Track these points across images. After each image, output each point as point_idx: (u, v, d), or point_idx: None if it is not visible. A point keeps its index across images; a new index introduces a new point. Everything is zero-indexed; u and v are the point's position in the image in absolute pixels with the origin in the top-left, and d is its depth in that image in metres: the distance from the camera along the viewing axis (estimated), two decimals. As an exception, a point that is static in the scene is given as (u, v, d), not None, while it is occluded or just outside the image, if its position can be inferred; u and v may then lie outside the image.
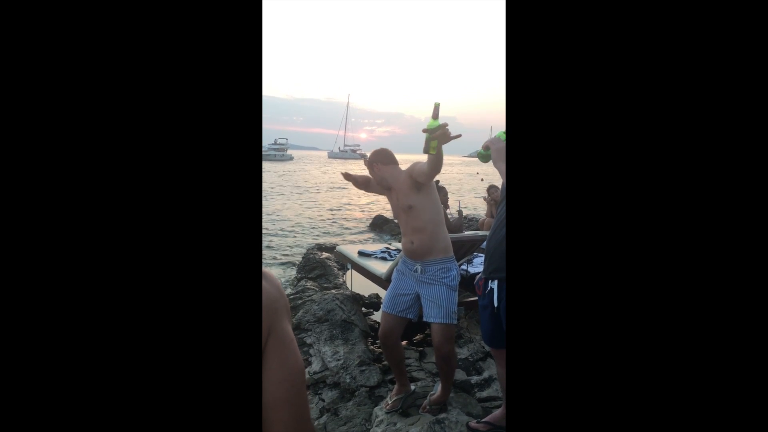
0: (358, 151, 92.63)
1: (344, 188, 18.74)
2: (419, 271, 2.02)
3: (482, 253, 3.64)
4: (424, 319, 2.02)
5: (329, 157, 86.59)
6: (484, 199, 5.71)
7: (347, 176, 2.26)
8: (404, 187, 1.98)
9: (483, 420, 1.96)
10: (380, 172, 2.07)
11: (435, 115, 1.62)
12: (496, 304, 1.64)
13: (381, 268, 3.22)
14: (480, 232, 3.58)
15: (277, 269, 6.29)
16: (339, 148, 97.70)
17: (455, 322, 1.99)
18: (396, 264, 2.30)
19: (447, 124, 1.64)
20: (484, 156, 1.68)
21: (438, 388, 2.16)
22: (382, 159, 2.08)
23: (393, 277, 2.19)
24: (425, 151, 1.66)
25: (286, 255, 7.20)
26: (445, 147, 1.72)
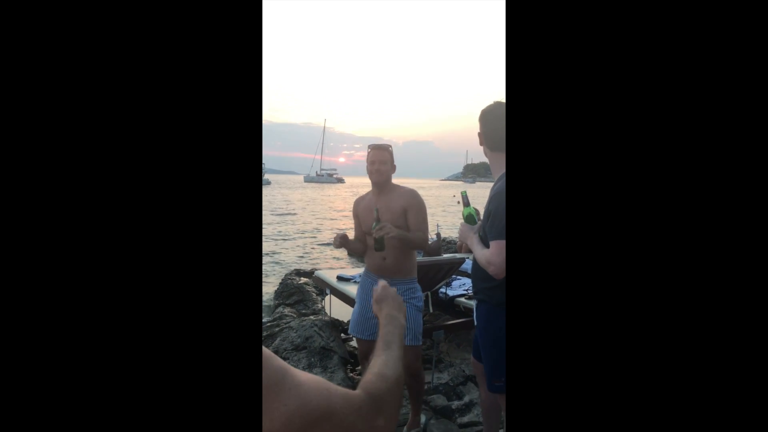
0: (334, 175, 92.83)
1: (322, 212, 18.65)
2: None
3: (460, 275, 3.66)
4: None
5: (305, 181, 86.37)
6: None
7: (341, 242, 2.08)
8: (396, 206, 1.98)
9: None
10: (388, 165, 2.01)
11: (376, 218, 1.94)
12: (476, 323, 1.67)
13: (360, 292, 3.19)
14: (458, 255, 3.60)
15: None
16: (316, 172, 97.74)
17: (420, 342, 2.02)
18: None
19: (382, 225, 1.86)
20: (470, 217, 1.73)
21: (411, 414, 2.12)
22: (392, 156, 2.05)
23: (358, 297, 2.14)
24: (377, 250, 1.95)
25: (264, 281, 7.06)
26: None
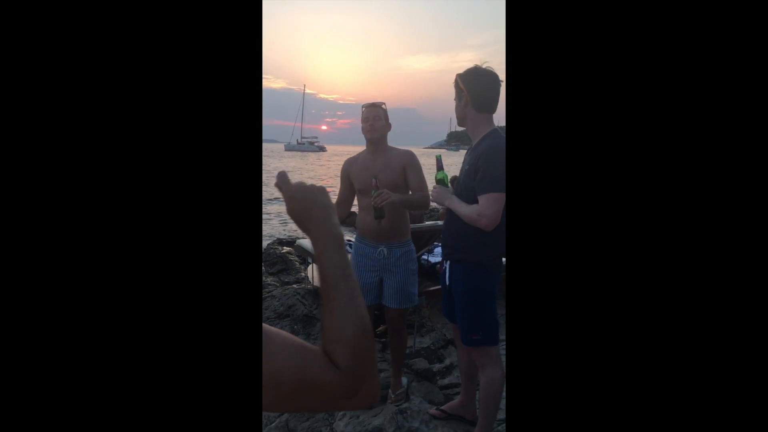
0: (316, 143, 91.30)
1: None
2: (385, 254, 1.99)
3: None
4: (384, 303, 2.04)
5: (286, 150, 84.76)
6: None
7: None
8: (396, 165, 1.95)
9: (440, 408, 1.99)
10: (383, 121, 1.98)
11: (375, 186, 1.86)
12: (447, 283, 1.73)
13: (342, 260, 3.19)
14: (440, 222, 3.62)
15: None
16: (297, 141, 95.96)
17: (411, 304, 2.07)
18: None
19: (380, 192, 1.81)
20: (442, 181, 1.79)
21: (392, 376, 2.18)
22: (386, 114, 2.02)
23: (353, 264, 2.14)
24: (377, 218, 1.87)
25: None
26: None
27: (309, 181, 0.59)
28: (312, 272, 3.81)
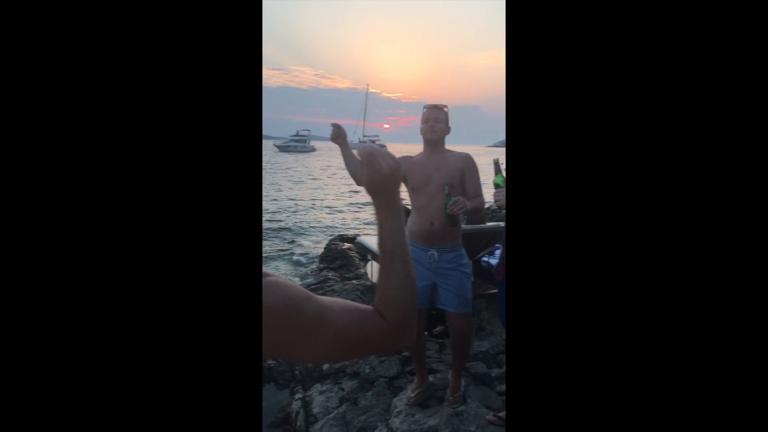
0: (377, 142, 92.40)
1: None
2: (435, 258, 1.95)
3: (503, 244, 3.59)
4: (442, 307, 2.01)
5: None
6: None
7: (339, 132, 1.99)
8: (453, 166, 1.94)
9: (498, 414, 1.94)
10: (443, 123, 1.99)
11: (448, 194, 1.85)
12: None
13: (401, 259, 3.21)
14: (502, 224, 3.52)
15: (298, 259, 6.35)
16: (359, 139, 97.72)
17: (470, 309, 2.01)
18: None
19: (456, 200, 1.78)
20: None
21: (450, 376, 2.15)
22: (447, 117, 2.02)
23: None
24: (449, 225, 1.88)
25: (311, 246, 7.26)
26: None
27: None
28: (371, 269, 3.87)
